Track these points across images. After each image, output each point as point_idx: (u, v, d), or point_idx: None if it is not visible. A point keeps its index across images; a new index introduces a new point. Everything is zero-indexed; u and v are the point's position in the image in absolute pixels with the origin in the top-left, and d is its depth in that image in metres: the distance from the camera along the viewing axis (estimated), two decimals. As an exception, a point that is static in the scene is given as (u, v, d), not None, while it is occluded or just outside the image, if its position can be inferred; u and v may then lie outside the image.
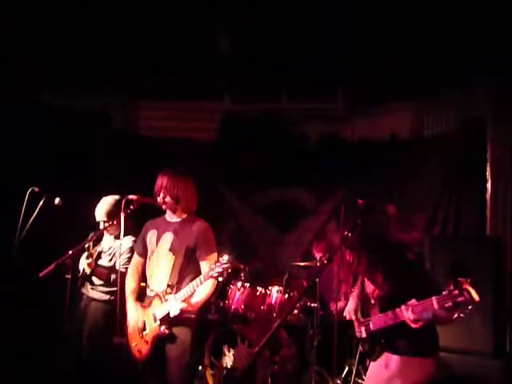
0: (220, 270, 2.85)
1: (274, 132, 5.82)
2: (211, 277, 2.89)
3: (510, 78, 4.24)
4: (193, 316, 3.09)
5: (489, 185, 4.50)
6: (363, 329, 2.62)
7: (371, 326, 2.58)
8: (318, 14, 3.90)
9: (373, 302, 2.60)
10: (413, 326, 2.32)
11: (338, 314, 3.17)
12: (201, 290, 3.01)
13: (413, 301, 2.33)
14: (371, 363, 2.66)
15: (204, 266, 3.07)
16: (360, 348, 2.72)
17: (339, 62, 4.62)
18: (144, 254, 3.31)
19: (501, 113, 4.43)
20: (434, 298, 2.23)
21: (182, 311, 3.00)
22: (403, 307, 2.34)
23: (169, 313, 2.98)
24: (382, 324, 2.50)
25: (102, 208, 3.74)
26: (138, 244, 3.39)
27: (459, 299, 2.18)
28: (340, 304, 2.95)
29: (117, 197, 3.69)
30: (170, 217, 3.24)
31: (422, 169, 5.06)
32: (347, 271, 2.72)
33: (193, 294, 2.98)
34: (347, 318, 2.76)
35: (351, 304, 2.77)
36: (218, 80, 5.22)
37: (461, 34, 4.00)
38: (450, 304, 2.20)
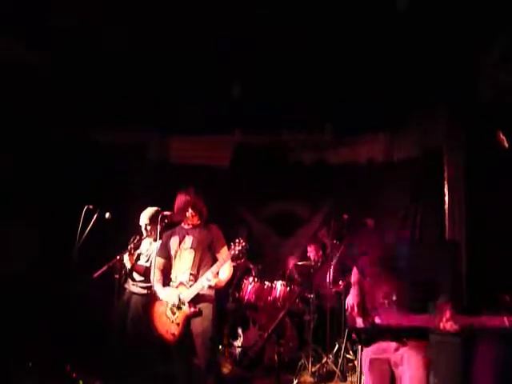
0: (239, 248, 3.30)
1: (276, 158, 6.34)
2: (233, 255, 3.35)
3: (462, 115, 4.80)
4: (212, 294, 3.48)
5: (446, 199, 4.96)
6: (360, 320, 2.70)
7: (379, 319, 2.64)
8: (315, 72, 4.62)
9: (384, 301, 2.67)
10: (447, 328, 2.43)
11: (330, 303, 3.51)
12: (224, 269, 3.46)
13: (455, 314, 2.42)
14: (367, 349, 2.71)
15: (219, 256, 3.53)
16: (353, 335, 2.82)
17: (327, 105, 5.23)
18: (166, 257, 3.65)
19: (455, 142, 4.96)
20: (505, 318, 2.31)
21: (211, 287, 3.39)
22: (444, 318, 2.41)
23: (197, 294, 3.36)
24: (405, 322, 2.55)
25: (146, 214, 4.20)
26: (160, 248, 3.70)
27: None
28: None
29: (156, 208, 4.14)
30: (187, 224, 3.64)
31: (394, 187, 5.56)
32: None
33: (218, 272, 3.40)
34: (348, 309, 2.81)
35: (353, 298, 2.81)
36: (231, 118, 5.70)
37: (424, 80, 4.58)
38: None
